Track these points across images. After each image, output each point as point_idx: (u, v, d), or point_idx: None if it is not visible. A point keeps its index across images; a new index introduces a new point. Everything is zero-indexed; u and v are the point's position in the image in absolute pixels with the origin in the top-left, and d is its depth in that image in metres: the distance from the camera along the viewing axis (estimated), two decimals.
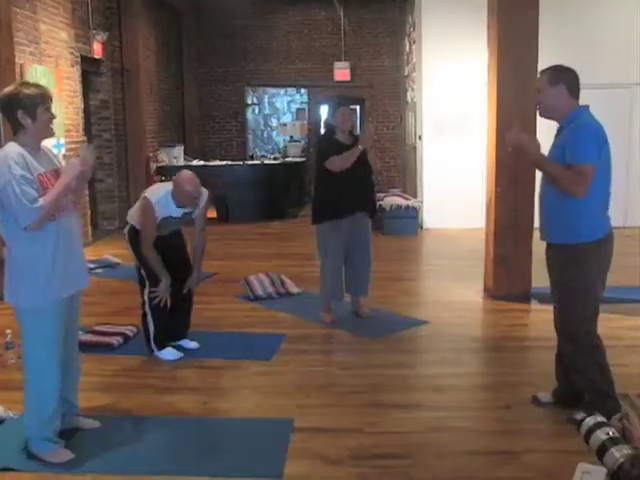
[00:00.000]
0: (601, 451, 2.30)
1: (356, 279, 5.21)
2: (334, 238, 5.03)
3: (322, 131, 5.58)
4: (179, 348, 4.51)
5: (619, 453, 2.25)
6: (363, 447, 3.17)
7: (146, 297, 4.34)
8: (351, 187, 4.92)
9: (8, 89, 3.00)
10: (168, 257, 4.35)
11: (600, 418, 2.42)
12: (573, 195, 3.18)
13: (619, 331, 4.74)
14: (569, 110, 3.28)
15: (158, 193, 4.30)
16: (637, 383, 3.75)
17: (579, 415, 2.47)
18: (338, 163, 4.87)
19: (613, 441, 2.31)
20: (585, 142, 3.18)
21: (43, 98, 3.00)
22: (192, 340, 4.62)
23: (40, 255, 2.96)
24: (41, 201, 2.88)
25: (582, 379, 3.34)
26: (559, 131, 3.39)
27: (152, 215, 4.22)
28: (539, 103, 3.39)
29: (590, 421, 2.41)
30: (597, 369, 3.31)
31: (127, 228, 4.43)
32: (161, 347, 4.42)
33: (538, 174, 5.49)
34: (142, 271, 4.36)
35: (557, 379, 3.58)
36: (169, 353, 4.41)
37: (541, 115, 3.42)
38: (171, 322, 4.48)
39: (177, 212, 4.30)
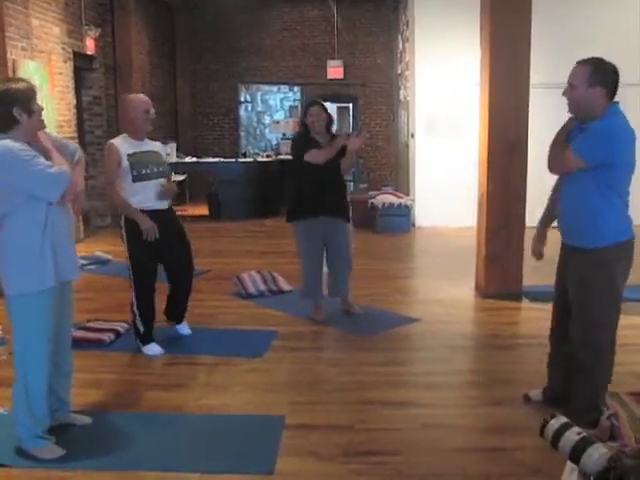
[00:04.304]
0: (576, 453, 2.19)
1: (333, 281, 5.22)
2: (306, 238, 5.03)
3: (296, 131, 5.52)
4: (174, 333, 4.76)
5: (598, 452, 2.15)
6: (354, 444, 3.18)
7: (134, 298, 4.42)
8: (322, 189, 4.89)
9: None
10: (164, 237, 4.37)
11: (564, 419, 2.32)
12: (550, 170, 3.22)
13: None
14: (602, 113, 3.07)
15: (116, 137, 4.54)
16: (626, 381, 3.77)
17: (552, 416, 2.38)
18: (318, 155, 4.82)
19: (586, 441, 2.20)
20: (593, 140, 3.04)
21: (33, 92, 3.00)
22: (186, 326, 4.82)
23: (29, 242, 2.95)
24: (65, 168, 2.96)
25: (587, 389, 3.23)
26: (581, 131, 3.16)
27: (114, 153, 4.31)
28: (570, 100, 3.13)
29: (555, 423, 2.29)
30: (603, 385, 3.25)
31: (123, 215, 4.40)
32: (146, 343, 4.48)
33: (530, 173, 5.56)
34: (129, 269, 4.42)
35: (549, 379, 3.57)
36: (152, 349, 4.46)
37: (570, 111, 3.18)
38: (168, 304, 4.74)
39: (139, 146, 4.40)
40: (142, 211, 4.32)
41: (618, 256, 3.15)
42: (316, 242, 5.03)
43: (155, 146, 4.57)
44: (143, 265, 4.39)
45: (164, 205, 4.46)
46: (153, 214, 4.35)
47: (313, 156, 4.83)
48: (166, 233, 4.41)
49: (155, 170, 4.40)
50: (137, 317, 4.43)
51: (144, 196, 4.33)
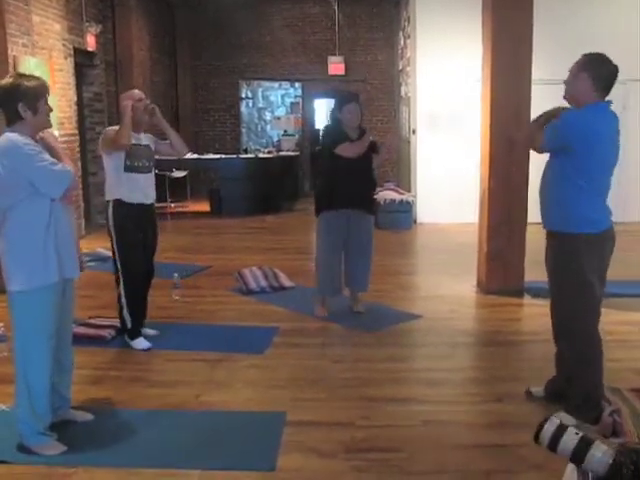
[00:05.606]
0: (578, 454, 2.12)
1: (353, 275, 5.20)
2: (328, 232, 5.02)
3: (328, 122, 5.53)
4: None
5: (600, 451, 2.09)
6: (356, 440, 3.18)
7: (122, 290, 4.43)
8: (351, 181, 4.89)
9: (6, 81, 2.98)
10: (145, 233, 4.45)
11: (557, 421, 2.26)
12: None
13: (609, 326, 4.72)
14: (587, 102, 3.17)
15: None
16: (628, 377, 3.77)
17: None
18: (350, 148, 4.85)
19: (586, 441, 2.13)
20: (555, 124, 3.24)
21: (44, 91, 3.02)
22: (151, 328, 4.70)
23: (32, 237, 2.96)
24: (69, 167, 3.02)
25: (581, 384, 3.24)
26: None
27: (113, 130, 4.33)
28: (565, 84, 3.27)
29: (550, 427, 2.21)
30: (593, 381, 3.23)
31: (109, 208, 4.37)
32: (134, 337, 4.49)
33: (532, 168, 5.55)
34: (117, 263, 4.43)
35: (556, 369, 3.54)
36: (141, 343, 4.47)
37: (564, 97, 3.31)
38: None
39: (136, 139, 4.40)
40: (130, 204, 4.34)
41: (587, 247, 3.15)
42: (337, 238, 5.03)
43: (147, 139, 4.57)
44: (134, 260, 4.42)
45: (149, 200, 4.49)
46: (140, 208, 4.39)
47: (345, 149, 4.86)
48: (147, 229, 4.49)
49: (147, 164, 4.45)
50: (125, 311, 4.43)
51: (132, 189, 4.35)
